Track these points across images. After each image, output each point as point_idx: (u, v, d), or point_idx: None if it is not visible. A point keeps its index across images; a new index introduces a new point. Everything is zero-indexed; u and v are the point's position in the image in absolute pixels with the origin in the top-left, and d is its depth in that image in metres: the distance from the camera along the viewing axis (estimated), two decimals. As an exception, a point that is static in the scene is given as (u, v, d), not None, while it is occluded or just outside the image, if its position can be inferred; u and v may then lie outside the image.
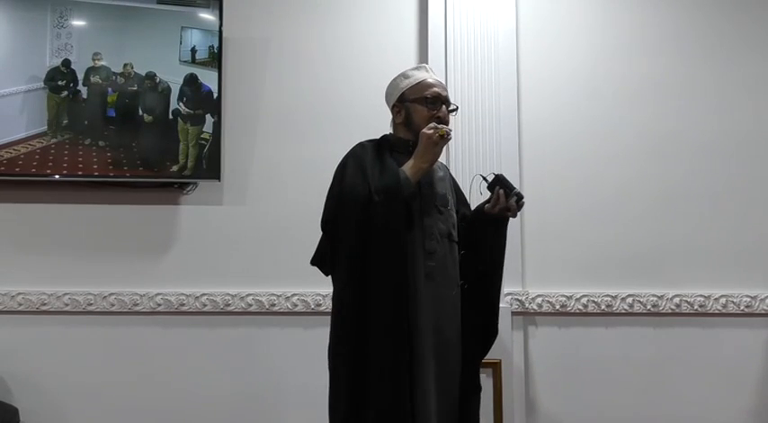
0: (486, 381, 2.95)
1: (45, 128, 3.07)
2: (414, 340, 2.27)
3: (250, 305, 3.16)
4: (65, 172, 3.07)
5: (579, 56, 3.36)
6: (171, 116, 3.13)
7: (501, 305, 2.59)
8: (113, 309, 3.13)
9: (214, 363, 3.14)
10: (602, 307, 3.20)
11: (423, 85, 2.44)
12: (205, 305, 3.15)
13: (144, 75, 3.12)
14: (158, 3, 3.15)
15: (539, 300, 3.18)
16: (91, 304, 3.13)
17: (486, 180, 2.45)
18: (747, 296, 3.22)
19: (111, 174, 3.10)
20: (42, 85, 3.07)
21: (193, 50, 3.16)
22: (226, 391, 3.13)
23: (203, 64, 3.16)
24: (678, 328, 3.22)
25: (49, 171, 3.06)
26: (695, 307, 3.21)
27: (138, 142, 3.12)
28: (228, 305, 3.16)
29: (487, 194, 2.47)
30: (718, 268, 3.25)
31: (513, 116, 3.25)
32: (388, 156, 2.41)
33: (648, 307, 3.20)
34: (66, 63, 3.09)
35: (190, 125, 3.13)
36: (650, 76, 3.34)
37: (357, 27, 3.36)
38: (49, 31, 3.09)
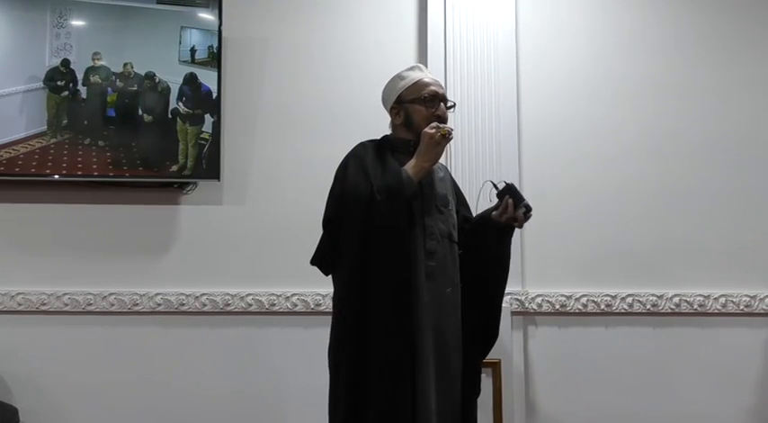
0: (485, 381, 2.95)
1: (45, 128, 3.07)
2: (415, 340, 2.27)
3: (250, 305, 3.16)
4: (64, 172, 3.07)
5: (579, 56, 3.36)
6: (170, 116, 3.12)
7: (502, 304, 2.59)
8: (113, 309, 3.13)
9: (214, 362, 3.14)
10: (602, 307, 3.20)
11: (419, 85, 2.44)
12: (205, 305, 3.16)
13: (143, 74, 3.12)
14: (158, 2, 3.15)
15: (538, 299, 3.18)
16: (91, 304, 3.13)
17: (496, 187, 2.45)
18: (747, 296, 3.22)
19: (111, 174, 3.10)
20: (42, 84, 3.07)
21: (193, 50, 3.16)
22: (226, 390, 3.13)
23: (203, 64, 3.15)
24: (678, 328, 3.22)
25: (48, 171, 3.06)
26: (695, 306, 3.21)
27: (138, 142, 3.12)
28: (228, 305, 3.16)
29: (495, 200, 2.47)
30: (717, 268, 3.25)
31: (513, 116, 3.25)
32: (389, 156, 2.41)
33: (648, 307, 3.20)
34: (66, 63, 3.08)
35: (189, 125, 3.13)
36: (650, 76, 3.34)
37: (357, 27, 3.35)
38: (48, 31, 3.09)
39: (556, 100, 3.33)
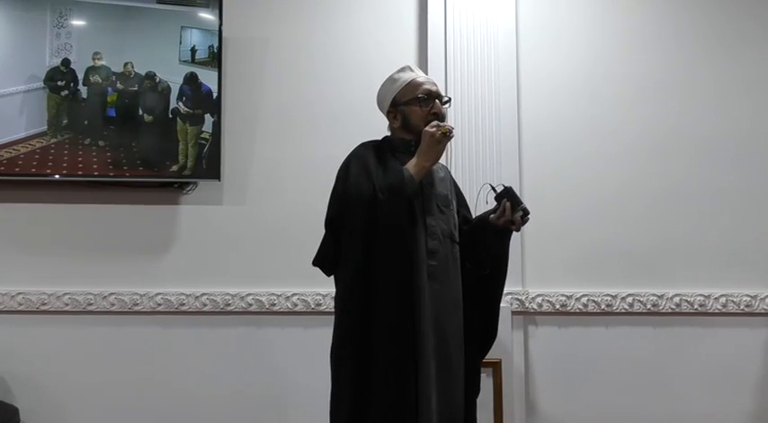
0: (486, 380, 2.95)
1: (45, 128, 3.07)
2: (417, 340, 2.27)
3: (250, 305, 3.16)
4: (65, 172, 3.07)
5: (579, 55, 3.36)
6: (171, 116, 3.12)
7: (501, 305, 2.59)
8: (113, 308, 3.13)
9: (214, 362, 3.14)
10: (602, 306, 3.20)
11: (413, 86, 2.44)
12: (205, 305, 3.15)
13: (144, 74, 3.12)
14: (158, 2, 3.15)
15: (539, 299, 3.18)
16: (91, 304, 3.13)
17: (494, 190, 2.45)
18: (747, 296, 3.22)
19: (111, 174, 3.10)
20: (42, 84, 3.07)
21: (193, 50, 3.16)
22: (226, 390, 3.13)
23: (203, 63, 3.15)
24: (678, 328, 3.22)
25: (48, 171, 3.06)
26: (695, 306, 3.21)
27: (138, 142, 3.12)
28: (228, 305, 3.16)
29: (493, 203, 2.47)
30: (718, 268, 3.25)
31: (513, 116, 3.25)
32: (390, 156, 2.41)
33: (648, 306, 3.20)
34: (66, 63, 3.08)
35: (189, 125, 3.13)
36: (650, 76, 3.34)
37: (357, 27, 3.36)
38: (48, 31, 3.09)
39: (556, 99, 3.33)
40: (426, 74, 3.11)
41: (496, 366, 3.05)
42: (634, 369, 3.20)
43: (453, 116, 3.18)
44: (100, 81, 3.11)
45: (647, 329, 3.22)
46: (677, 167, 3.31)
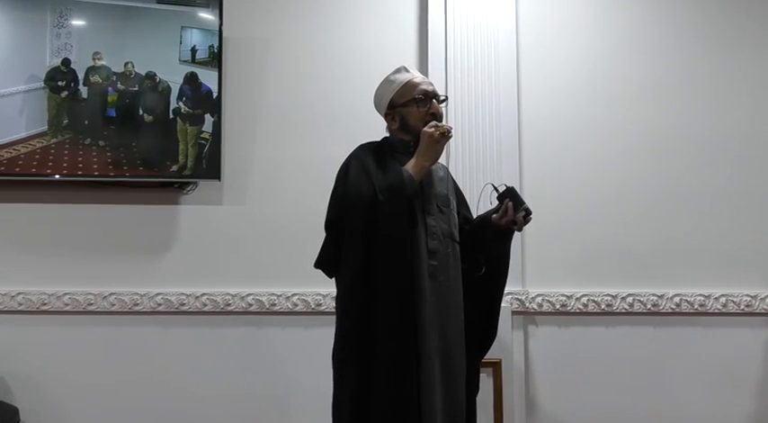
0: (486, 380, 2.96)
1: (45, 128, 3.07)
2: (419, 340, 2.27)
3: (250, 305, 3.16)
4: (65, 172, 3.06)
5: (579, 55, 3.37)
6: (171, 116, 3.12)
7: (501, 305, 2.59)
8: (113, 308, 3.13)
9: (214, 362, 3.14)
10: (603, 306, 3.20)
11: (409, 87, 2.44)
12: (205, 305, 3.15)
13: (144, 74, 3.12)
14: (158, 2, 3.15)
15: (539, 299, 3.18)
16: (91, 304, 3.13)
17: (496, 190, 2.45)
18: (747, 295, 3.22)
19: (111, 174, 3.10)
20: (42, 84, 3.07)
21: (193, 50, 3.16)
22: (226, 390, 3.13)
23: (203, 63, 3.15)
24: (678, 328, 3.22)
25: (49, 171, 3.06)
26: (695, 306, 3.21)
27: (139, 142, 3.12)
28: (229, 305, 3.16)
29: (495, 203, 2.47)
30: (718, 268, 3.25)
31: (513, 115, 3.25)
32: (390, 157, 2.42)
33: (649, 306, 3.20)
34: (66, 62, 3.08)
35: (189, 125, 3.13)
36: (650, 76, 3.35)
37: (357, 27, 3.36)
38: (48, 31, 3.09)
39: (556, 99, 3.33)
40: (427, 74, 3.15)
41: (496, 366, 3.05)
42: (634, 369, 3.20)
43: (453, 116, 3.19)
44: (100, 81, 3.11)
45: (647, 329, 3.22)
46: (677, 167, 3.31)
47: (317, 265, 2.44)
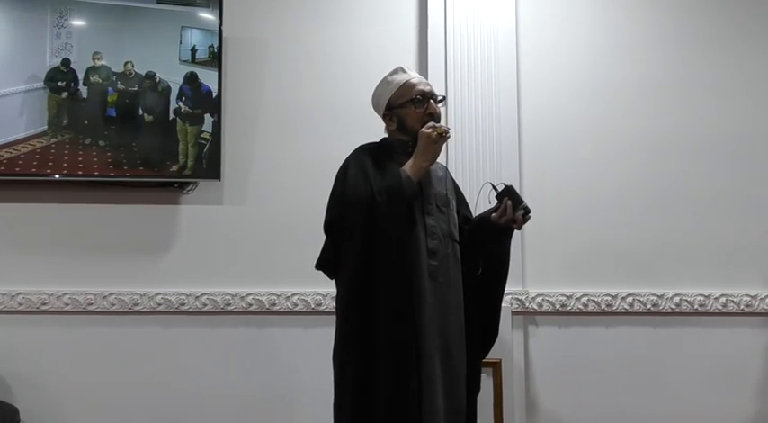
0: (486, 380, 2.95)
1: (45, 128, 3.07)
2: (420, 340, 2.27)
3: (250, 305, 3.16)
4: (65, 172, 3.07)
5: (579, 55, 3.36)
6: (171, 116, 3.12)
7: (502, 304, 2.59)
8: (114, 308, 3.13)
9: (214, 362, 3.14)
10: (603, 306, 3.20)
11: (406, 88, 2.44)
12: (205, 305, 3.15)
13: (144, 74, 3.12)
14: (158, 2, 3.15)
15: (539, 299, 3.18)
16: (91, 304, 3.13)
17: (495, 189, 2.45)
18: (747, 295, 3.22)
19: (112, 173, 3.10)
20: (42, 84, 3.07)
21: (193, 50, 3.16)
22: (226, 390, 3.13)
23: (203, 63, 3.16)
24: (678, 328, 3.22)
25: (49, 171, 3.06)
26: (695, 306, 3.21)
27: (139, 142, 3.12)
28: (229, 305, 3.16)
29: (494, 202, 2.47)
30: (718, 268, 3.25)
31: (513, 115, 3.25)
32: (388, 158, 2.42)
33: (648, 306, 3.20)
34: (66, 63, 3.08)
35: (189, 125, 3.13)
36: (650, 76, 3.35)
37: (357, 27, 3.36)
38: (48, 31, 3.09)
39: (556, 100, 3.33)
40: (427, 74, 3.15)
41: (496, 366, 3.05)
42: (634, 369, 3.20)
43: (453, 116, 3.19)
44: (100, 81, 3.11)
45: (648, 329, 3.22)
46: (677, 167, 3.31)
47: (319, 266, 2.45)
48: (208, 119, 3.14)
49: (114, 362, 3.12)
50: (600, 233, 3.26)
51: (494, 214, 2.45)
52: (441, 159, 2.48)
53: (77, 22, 3.11)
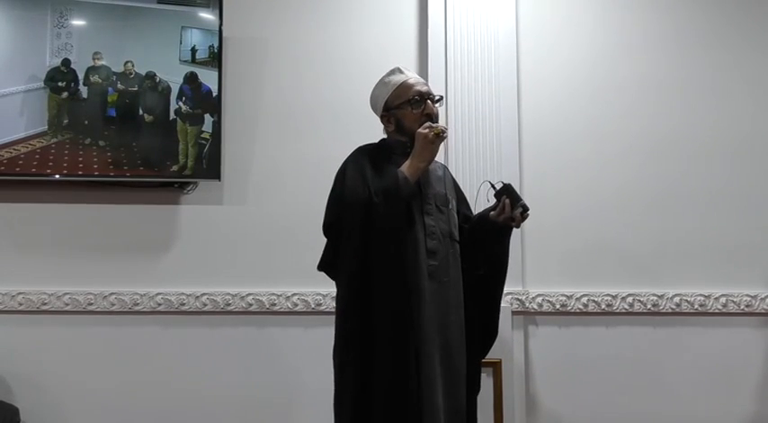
0: (486, 380, 2.95)
1: (45, 127, 3.07)
2: (419, 340, 2.27)
3: (250, 305, 3.16)
4: (65, 172, 3.06)
5: (579, 55, 3.36)
6: (171, 116, 3.12)
7: (501, 305, 2.59)
8: (114, 308, 3.13)
9: (214, 362, 3.14)
10: (603, 306, 3.20)
11: (403, 88, 2.45)
12: (205, 305, 3.15)
13: (144, 74, 3.12)
14: (158, 2, 3.15)
15: (539, 299, 3.18)
16: (91, 304, 3.13)
17: (494, 187, 2.46)
18: (748, 295, 3.22)
19: (112, 173, 3.10)
20: (42, 84, 3.07)
21: (193, 50, 3.16)
22: (226, 390, 3.13)
23: (203, 63, 3.16)
24: (678, 328, 3.22)
25: (49, 171, 3.06)
26: (695, 306, 3.21)
27: (139, 142, 3.12)
28: (229, 305, 3.15)
29: (493, 201, 2.47)
30: (718, 267, 3.25)
31: (513, 116, 3.25)
32: (387, 159, 2.43)
33: (649, 306, 3.20)
34: (66, 63, 3.08)
35: (189, 125, 3.13)
36: (650, 76, 3.35)
37: (357, 27, 3.36)
38: (49, 31, 3.09)
39: (556, 99, 3.33)
40: (427, 74, 3.15)
41: (497, 366, 3.05)
42: (634, 369, 3.20)
43: (453, 116, 3.19)
44: (100, 81, 3.11)
45: (648, 329, 3.22)
46: (677, 167, 3.31)
47: (321, 267, 2.47)
48: (208, 119, 3.14)
49: (114, 362, 3.12)
50: (600, 233, 3.26)
51: (492, 213, 2.45)
52: (441, 159, 2.48)
53: (77, 22, 3.11)
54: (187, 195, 3.22)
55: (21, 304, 3.10)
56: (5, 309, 3.09)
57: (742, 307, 3.22)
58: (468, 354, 2.43)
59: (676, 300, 3.21)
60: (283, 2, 3.36)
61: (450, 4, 3.28)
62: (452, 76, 3.23)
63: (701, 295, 3.22)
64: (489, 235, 2.48)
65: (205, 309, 3.15)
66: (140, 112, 3.12)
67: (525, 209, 2.42)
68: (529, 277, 3.21)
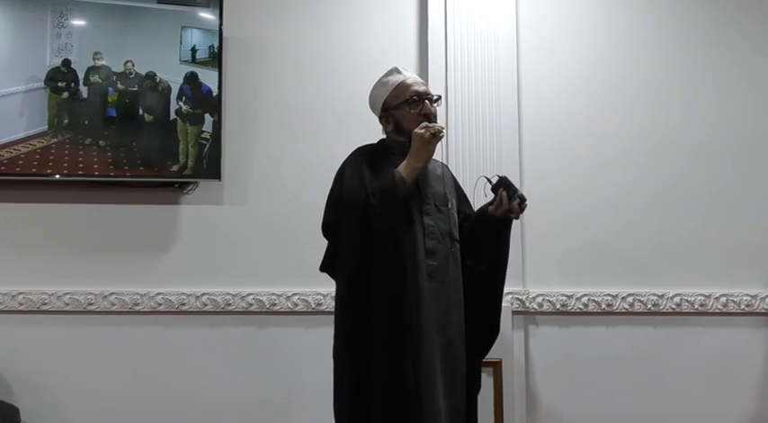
0: (486, 380, 2.96)
1: (45, 127, 3.07)
2: (419, 340, 2.28)
3: (251, 305, 3.16)
4: (65, 172, 3.06)
5: (579, 55, 3.37)
6: (171, 116, 3.12)
7: (502, 304, 2.59)
8: (114, 308, 3.13)
9: (214, 362, 3.14)
10: (603, 306, 3.20)
11: (401, 89, 2.45)
12: (206, 305, 3.15)
13: (144, 74, 3.12)
14: (158, 2, 3.15)
15: (539, 299, 3.18)
16: (91, 304, 3.13)
17: (489, 182, 2.46)
18: (748, 295, 3.22)
19: (112, 173, 3.10)
20: (42, 84, 3.07)
21: (193, 50, 3.16)
22: (226, 390, 3.13)
23: (203, 63, 3.16)
24: (678, 328, 3.22)
25: (49, 171, 3.06)
26: (696, 306, 3.21)
27: (139, 142, 3.12)
28: (229, 305, 3.15)
29: (491, 196, 2.47)
30: (718, 267, 3.25)
31: (514, 116, 3.25)
32: (385, 159, 2.43)
33: (649, 306, 3.20)
34: (67, 63, 3.08)
35: (189, 125, 3.13)
36: (650, 76, 3.35)
37: (357, 27, 3.36)
38: (49, 31, 3.09)
39: (556, 99, 3.33)
40: (427, 74, 3.16)
41: (497, 366, 3.05)
42: (634, 369, 3.20)
43: (453, 116, 3.19)
44: (100, 81, 3.11)
45: (648, 329, 3.22)
46: (677, 167, 3.31)
47: (323, 268, 2.47)
48: (208, 119, 3.14)
49: (114, 362, 3.12)
50: (600, 233, 3.26)
51: (491, 207, 2.45)
52: (441, 159, 2.48)
53: (78, 22, 3.11)
54: (187, 195, 3.22)
55: (21, 304, 3.10)
56: (6, 309, 3.09)
57: (742, 307, 3.22)
58: (469, 353, 2.43)
59: (676, 299, 3.21)
60: (283, 2, 3.36)
61: (450, 4, 3.28)
62: (452, 75, 3.23)
63: (701, 295, 3.22)
64: (489, 229, 2.48)
65: (205, 309, 3.15)
66: (140, 111, 3.12)
67: (523, 199, 2.42)
68: (529, 277, 3.21)
